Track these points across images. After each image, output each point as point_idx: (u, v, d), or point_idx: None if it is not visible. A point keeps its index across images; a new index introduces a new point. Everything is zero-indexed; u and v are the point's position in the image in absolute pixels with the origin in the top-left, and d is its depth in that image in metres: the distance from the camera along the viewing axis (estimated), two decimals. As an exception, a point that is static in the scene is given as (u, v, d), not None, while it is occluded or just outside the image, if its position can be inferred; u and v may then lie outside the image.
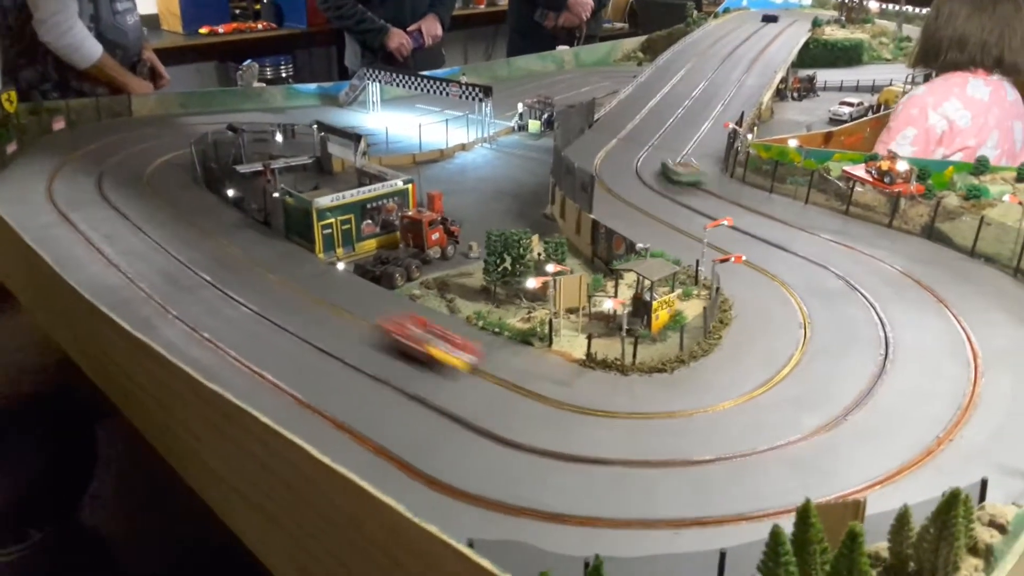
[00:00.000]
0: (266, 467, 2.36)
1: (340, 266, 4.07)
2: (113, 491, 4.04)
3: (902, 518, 1.62)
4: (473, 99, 6.48)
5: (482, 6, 13.77)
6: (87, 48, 6.89)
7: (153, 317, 3.48)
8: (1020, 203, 3.76)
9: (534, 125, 6.73)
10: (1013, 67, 5.31)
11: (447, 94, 6.68)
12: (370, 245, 4.36)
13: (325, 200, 4.15)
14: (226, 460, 2.66)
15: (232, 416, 2.40)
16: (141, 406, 3.31)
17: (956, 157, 5.20)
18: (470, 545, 1.72)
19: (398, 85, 7.09)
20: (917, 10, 10.25)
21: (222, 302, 3.62)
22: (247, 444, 2.42)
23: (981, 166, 4.49)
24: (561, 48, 9.69)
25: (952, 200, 4.25)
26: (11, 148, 5.38)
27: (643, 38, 10.37)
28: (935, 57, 5.45)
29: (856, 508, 1.66)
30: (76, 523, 3.82)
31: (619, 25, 14.39)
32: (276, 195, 4.40)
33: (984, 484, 1.94)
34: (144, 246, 4.20)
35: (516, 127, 6.80)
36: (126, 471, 4.14)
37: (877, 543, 1.72)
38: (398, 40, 8.65)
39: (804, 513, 1.51)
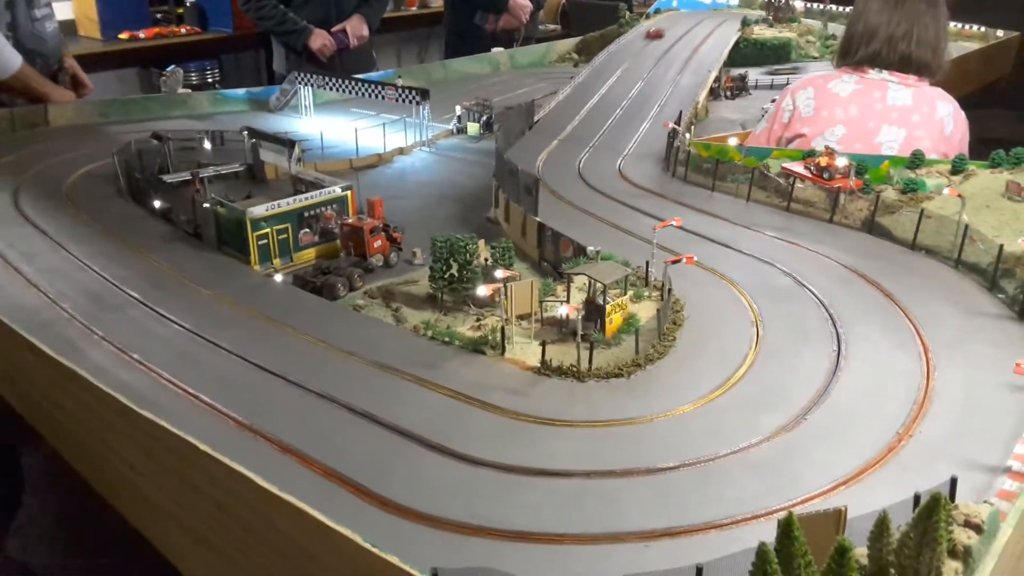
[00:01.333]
0: (209, 498, 2.21)
1: (278, 278, 3.90)
2: (41, 522, 3.80)
3: (882, 524, 1.57)
4: (410, 102, 6.35)
5: (414, 8, 13.62)
6: (6, 58, 6.51)
7: (78, 339, 3.25)
8: (959, 196, 3.82)
9: (473, 128, 6.64)
10: (923, 65, 5.25)
11: (383, 97, 6.53)
12: (309, 255, 4.20)
13: (260, 209, 3.97)
14: (163, 490, 2.50)
15: (167, 444, 2.24)
16: (68, 434, 3.11)
17: (794, 144, 5.35)
18: (434, 574, 1.62)
19: (331, 89, 6.91)
20: (841, 8, 10.52)
21: (152, 320, 3.42)
22: (186, 473, 2.26)
23: (916, 160, 4.56)
24: (496, 50, 9.62)
25: (890, 194, 4.31)
26: (-84, 162, 5.05)
27: (577, 39, 10.38)
28: (849, 54, 5.43)
29: (837, 518, 1.61)
30: (2, 556, 3.57)
31: (551, 26, 14.40)
32: (207, 205, 4.20)
33: (954, 483, 1.91)
34: (66, 264, 3.96)
35: (455, 130, 6.70)
36: (54, 501, 3.90)
37: (857, 549, 1.67)
38: (320, 41, 8.43)
39: (787, 527, 1.45)
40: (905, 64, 5.25)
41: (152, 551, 2.69)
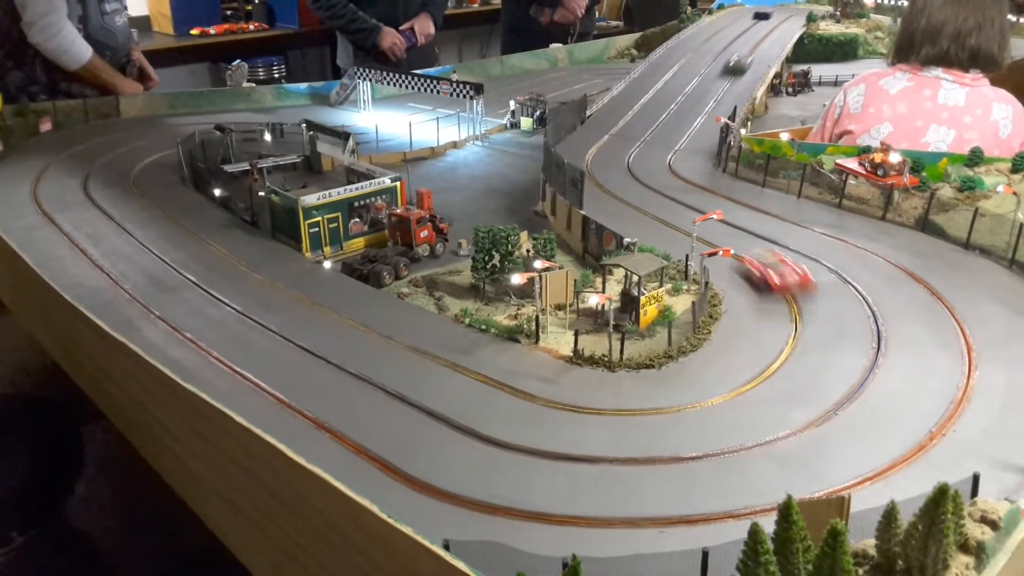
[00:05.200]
0: (243, 468, 2.32)
1: (327, 265, 4.02)
2: (99, 494, 3.98)
3: (889, 515, 1.56)
4: (464, 97, 6.43)
5: (476, 5, 13.73)
6: (77, 49, 6.84)
7: (136, 318, 3.42)
8: (1015, 193, 3.71)
9: (526, 123, 6.69)
10: (990, 59, 5.08)
11: (438, 92, 6.63)
12: (358, 244, 4.31)
13: (311, 199, 4.10)
14: (204, 461, 2.61)
15: (208, 416, 2.35)
16: (122, 408, 3.27)
17: (841, 142, 5.22)
18: (446, 546, 1.67)
19: (388, 84, 7.04)
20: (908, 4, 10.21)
21: (206, 302, 3.57)
22: (224, 445, 2.37)
23: (975, 157, 4.43)
24: (554, 46, 9.65)
25: (946, 192, 4.20)
26: (-4, 150, 5.35)
27: (637, 35, 10.33)
28: (910, 52, 5.27)
29: (840, 505, 1.61)
30: (61, 526, 3.76)
31: (614, 23, 14.35)
32: (262, 194, 4.35)
33: (976, 479, 1.88)
34: (129, 247, 4.15)
35: (508, 125, 6.76)
36: (112, 474, 4.09)
37: (865, 540, 1.67)
38: (391, 40, 8.59)
39: (786, 510, 1.46)
40: (973, 60, 5.10)
41: (198, 521, 2.82)
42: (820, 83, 8.14)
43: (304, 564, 2.20)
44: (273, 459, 2.10)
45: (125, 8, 7.47)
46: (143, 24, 10.87)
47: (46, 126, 6.04)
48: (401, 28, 8.71)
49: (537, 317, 3.10)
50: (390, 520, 1.73)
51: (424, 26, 8.86)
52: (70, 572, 3.51)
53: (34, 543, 3.52)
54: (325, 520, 2.00)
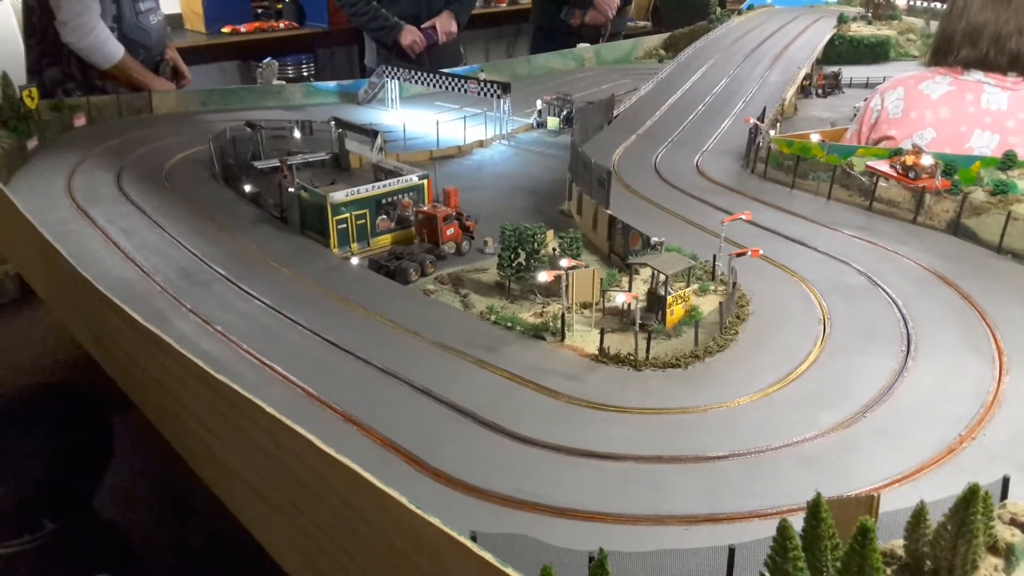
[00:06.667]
0: (273, 459, 2.34)
1: (354, 261, 4.05)
2: (128, 483, 4.05)
3: (918, 515, 1.56)
4: (491, 96, 6.45)
5: (503, 4, 13.75)
6: (109, 49, 6.95)
7: (167, 310, 3.48)
8: (1049, 197, 3.66)
9: (553, 122, 6.69)
10: None
11: (465, 91, 6.66)
12: (385, 240, 4.35)
13: (340, 195, 4.14)
14: (235, 452, 2.64)
15: (240, 407, 2.38)
16: (154, 399, 3.32)
17: (882, 145, 5.13)
18: (473, 538, 1.69)
19: (417, 82, 7.08)
20: (945, 6, 10.08)
21: (236, 296, 3.62)
22: (254, 435, 2.40)
23: (1009, 161, 4.38)
24: (582, 46, 9.64)
25: (979, 195, 4.15)
26: (32, 144, 5.43)
27: (665, 35, 10.30)
28: (948, 54, 5.17)
29: (869, 504, 1.60)
30: (91, 514, 3.83)
31: (642, 23, 14.32)
32: (292, 190, 4.40)
33: (1006, 482, 1.87)
34: (161, 241, 4.22)
35: (535, 124, 6.77)
36: (142, 464, 4.15)
37: (893, 540, 1.66)
38: (411, 37, 8.64)
39: (815, 508, 1.46)
40: (1013, 63, 5.02)
41: (227, 511, 2.86)
42: (851, 85, 8.06)
43: (332, 554, 2.22)
44: (302, 449, 2.12)
45: (159, 7, 7.57)
46: (175, 22, 11.02)
47: (80, 121, 6.13)
48: (422, 26, 8.77)
49: (563, 315, 3.11)
50: (418, 510, 1.75)
51: (446, 24, 8.91)
52: (99, 559, 3.57)
53: (65, 530, 3.59)
54: (353, 510, 2.02)
